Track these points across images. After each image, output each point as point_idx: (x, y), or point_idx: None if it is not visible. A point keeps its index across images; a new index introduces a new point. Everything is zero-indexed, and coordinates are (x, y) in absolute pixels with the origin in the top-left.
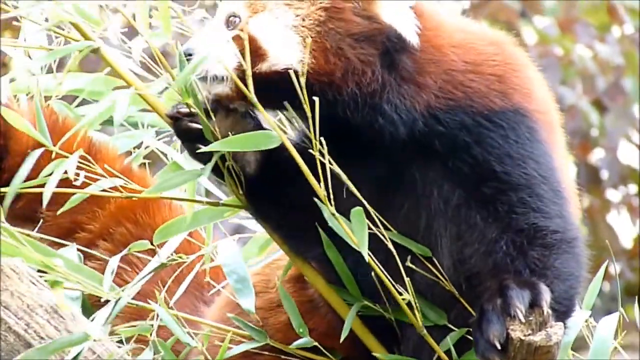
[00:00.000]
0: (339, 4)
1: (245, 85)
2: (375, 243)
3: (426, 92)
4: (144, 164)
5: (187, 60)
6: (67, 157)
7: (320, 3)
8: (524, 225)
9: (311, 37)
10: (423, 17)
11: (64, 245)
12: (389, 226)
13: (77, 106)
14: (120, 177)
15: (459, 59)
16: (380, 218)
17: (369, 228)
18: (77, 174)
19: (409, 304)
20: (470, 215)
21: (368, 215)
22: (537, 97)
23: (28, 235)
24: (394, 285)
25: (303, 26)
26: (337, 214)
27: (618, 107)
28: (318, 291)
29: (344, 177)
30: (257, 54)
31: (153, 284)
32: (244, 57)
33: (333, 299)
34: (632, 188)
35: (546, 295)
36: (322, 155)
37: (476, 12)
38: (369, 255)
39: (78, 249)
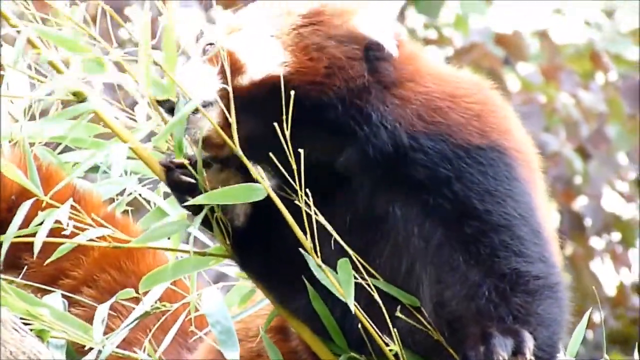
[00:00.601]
0: (318, 12)
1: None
2: (360, 291)
3: (408, 106)
4: (127, 211)
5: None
6: (57, 207)
7: (298, 12)
8: (506, 269)
9: (290, 39)
10: (402, 46)
11: (48, 292)
12: (375, 274)
13: (59, 153)
14: (106, 226)
15: (438, 89)
16: (367, 266)
17: (355, 277)
18: (67, 224)
19: (396, 355)
20: (452, 256)
21: (353, 262)
22: (515, 136)
23: (12, 281)
24: (381, 337)
25: (282, 33)
26: (323, 266)
27: (602, 155)
28: (303, 342)
29: (329, 227)
30: (236, 67)
31: (137, 331)
32: (224, 73)
33: (320, 350)
34: (616, 236)
35: (529, 343)
36: (308, 206)
37: (459, 59)
38: (355, 306)
39: (62, 295)
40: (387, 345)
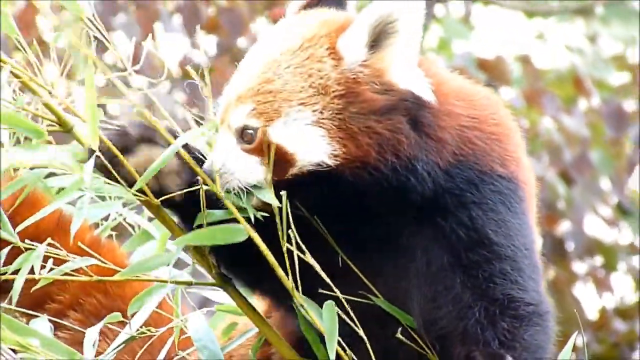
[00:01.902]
0: (355, 89)
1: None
2: (356, 311)
3: (445, 146)
4: (111, 235)
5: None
6: (34, 248)
7: (334, 92)
8: (499, 295)
9: (335, 126)
10: (424, 70)
11: (34, 316)
12: (377, 293)
13: (45, 177)
14: (92, 255)
15: (464, 113)
16: (369, 285)
17: (356, 294)
18: (43, 266)
19: None
20: (449, 278)
21: (354, 281)
22: (524, 165)
23: None
24: None
25: (323, 119)
26: (305, 306)
27: (585, 180)
28: None
29: (318, 269)
30: (285, 160)
31: (123, 353)
32: (269, 166)
33: None
34: (598, 260)
35: None
36: (291, 243)
37: None
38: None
39: (48, 319)
40: None
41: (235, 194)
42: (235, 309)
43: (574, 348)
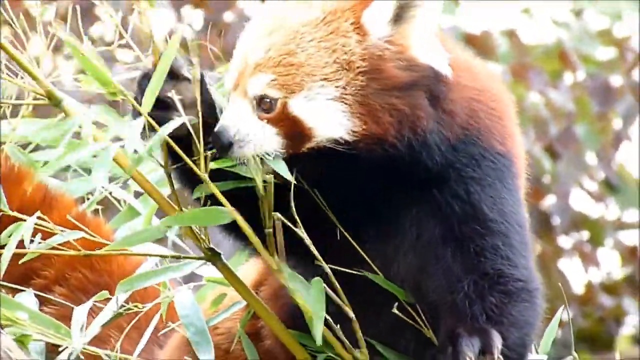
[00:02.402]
0: (379, 65)
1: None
2: (350, 285)
3: (456, 120)
4: (97, 209)
5: (225, 148)
6: (23, 219)
7: (358, 68)
8: (489, 269)
9: (357, 102)
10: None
11: (19, 291)
12: (373, 267)
13: (30, 151)
14: (80, 228)
15: (471, 85)
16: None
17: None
18: (32, 240)
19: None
20: (440, 250)
21: (347, 254)
22: (518, 142)
23: None
24: (347, 349)
25: (346, 94)
26: (291, 285)
27: (570, 154)
28: (279, 342)
29: (311, 247)
30: (304, 134)
31: (110, 328)
32: (288, 138)
33: (297, 349)
34: (584, 234)
35: (497, 342)
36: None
37: None
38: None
39: (34, 294)
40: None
41: (244, 162)
42: (223, 280)
43: (560, 323)
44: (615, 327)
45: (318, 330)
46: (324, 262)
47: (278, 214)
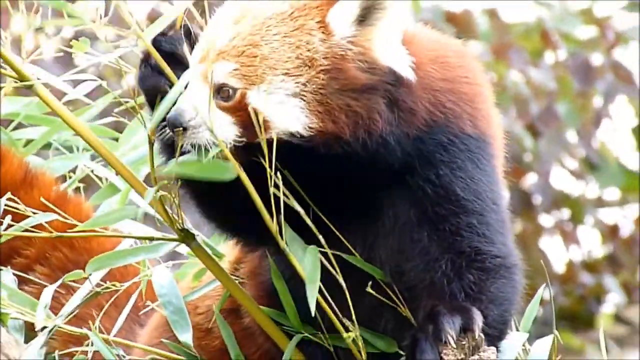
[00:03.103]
0: (341, 65)
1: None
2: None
3: (417, 116)
4: (79, 188)
5: (177, 130)
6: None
7: (320, 66)
8: (466, 247)
9: (315, 100)
10: (405, 42)
11: None
12: (353, 252)
13: (12, 130)
14: (54, 211)
15: (438, 77)
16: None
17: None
18: (1, 222)
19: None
20: (416, 231)
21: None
22: (494, 123)
23: None
24: (342, 322)
25: (305, 91)
26: (288, 250)
27: (551, 132)
28: (254, 321)
29: (302, 212)
30: (260, 126)
31: (90, 307)
32: (243, 128)
33: (272, 330)
34: (565, 213)
35: (478, 320)
36: (277, 188)
37: None
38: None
39: (15, 274)
40: (347, 330)
41: (197, 148)
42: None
43: (541, 301)
44: (596, 305)
45: (312, 296)
46: (316, 231)
47: (279, 176)
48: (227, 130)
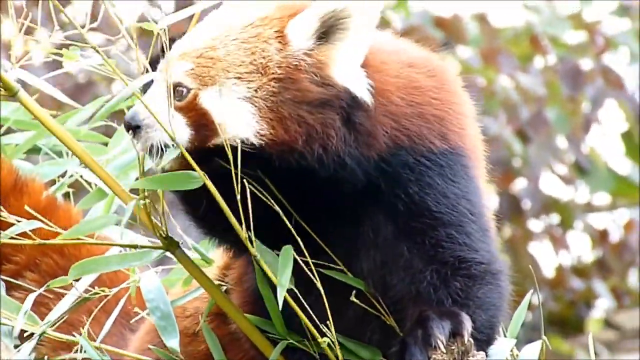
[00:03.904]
0: (294, 75)
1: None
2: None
3: (378, 140)
4: (68, 193)
5: (132, 129)
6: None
7: (273, 74)
8: (449, 257)
9: (267, 107)
10: (369, 66)
11: None
12: (336, 260)
13: (2, 135)
14: (39, 219)
15: (405, 103)
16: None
17: (310, 262)
18: None
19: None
20: (397, 245)
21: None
22: (470, 135)
23: None
24: (318, 327)
25: (256, 97)
26: (259, 257)
27: (541, 138)
28: (240, 328)
29: (282, 215)
30: (210, 128)
31: (79, 313)
32: (195, 130)
33: (256, 338)
34: (555, 218)
35: (467, 324)
36: (245, 199)
37: None
38: (296, 292)
39: (4, 280)
40: (323, 335)
41: (149, 151)
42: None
43: (530, 306)
44: (586, 310)
45: (280, 297)
46: (294, 230)
47: (249, 185)
48: (180, 131)
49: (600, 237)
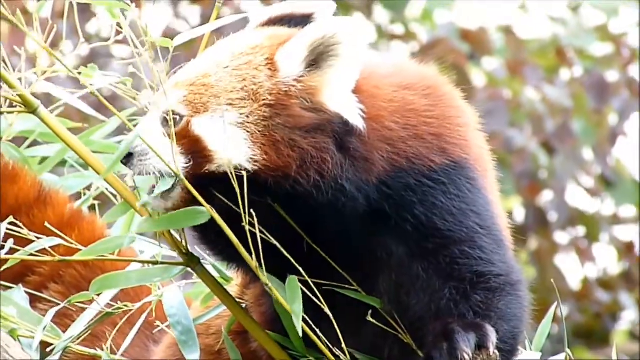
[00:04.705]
0: (284, 101)
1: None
2: (330, 299)
3: (376, 165)
4: (94, 205)
5: (125, 157)
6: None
7: (264, 100)
8: (466, 274)
9: (259, 132)
10: (362, 92)
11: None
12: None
13: (27, 147)
14: (59, 235)
15: (399, 127)
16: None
17: (324, 285)
18: (3, 247)
19: None
20: (411, 267)
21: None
22: (474, 145)
23: None
24: (331, 350)
25: (248, 123)
26: (270, 284)
27: (567, 150)
28: (261, 345)
29: (279, 246)
30: (203, 154)
31: (103, 324)
32: (189, 156)
33: (277, 354)
34: (581, 230)
35: (492, 336)
36: (253, 226)
37: (425, 54)
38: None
39: (29, 293)
40: (337, 357)
41: (137, 179)
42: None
43: (556, 318)
44: (612, 322)
45: (298, 325)
46: (296, 264)
47: (253, 214)
48: (176, 159)
49: (626, 249)
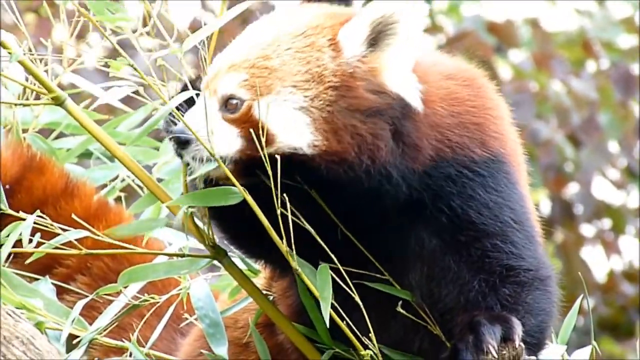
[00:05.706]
0: (350, 82)
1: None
2: (362, 289)
3: (423, 153)
4: (120, 197)
5: (182, 143)
6: (22, 218)
7: (329, 82)
8: (496, 267)
9: (322, 118)
10: (416, 75)
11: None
12: (382, 270)
13: (54, 139)
14: (86, 227)
15: (447, 113)
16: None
17: (355, 276)
18: (31, 240)
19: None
20: (443, 258)
21: (356, 262)
22: (510, 140)
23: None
24: (360, 339)
25: (312, 107)
26: (300, 269)
27: (593, 142)
28: (287, 338)
29: (312, 232)
30: (265, 138)
31: (130, 315)
32: (247, 140)
33: (304, 346)
34: (606, 223)
35: (518, 329)
36: (285, 209)
37: (452, 47)
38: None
39: (55, 284)
40: (366, 348)
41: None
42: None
43: (582, 311)
44: (637, 315)
45: (326, 313)
46: (328, 250)
47: (286, 200)
48: (232, 143)
49: None
